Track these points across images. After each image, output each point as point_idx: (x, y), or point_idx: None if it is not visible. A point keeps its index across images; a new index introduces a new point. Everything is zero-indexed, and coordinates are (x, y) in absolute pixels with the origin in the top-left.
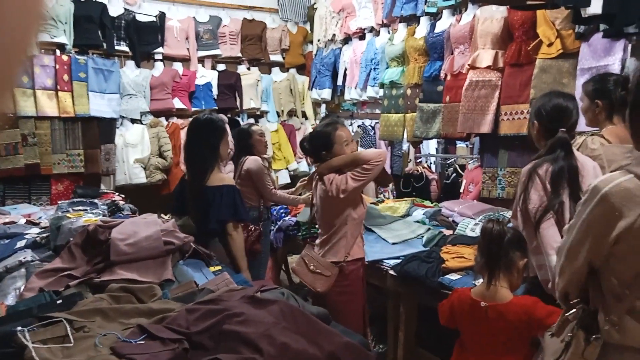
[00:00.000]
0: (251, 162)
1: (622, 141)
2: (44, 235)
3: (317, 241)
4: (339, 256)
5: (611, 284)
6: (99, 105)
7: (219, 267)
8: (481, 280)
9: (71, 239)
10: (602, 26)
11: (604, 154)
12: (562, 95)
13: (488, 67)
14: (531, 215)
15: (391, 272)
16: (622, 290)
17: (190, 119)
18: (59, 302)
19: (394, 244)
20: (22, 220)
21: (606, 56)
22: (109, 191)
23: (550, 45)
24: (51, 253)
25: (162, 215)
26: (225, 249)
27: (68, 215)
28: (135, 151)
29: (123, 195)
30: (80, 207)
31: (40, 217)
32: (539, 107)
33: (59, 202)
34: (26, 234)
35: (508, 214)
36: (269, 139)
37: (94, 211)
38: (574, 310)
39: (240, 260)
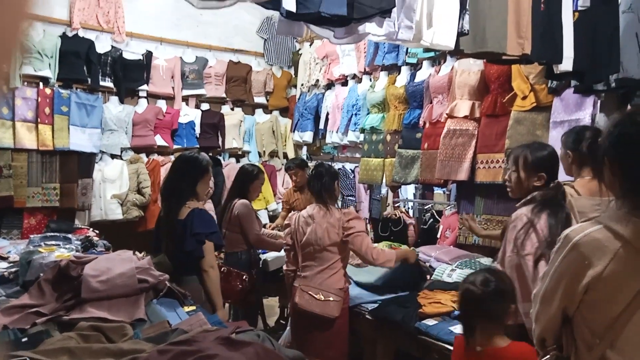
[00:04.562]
0: (241, 206)
1: (592, 194)
2: (13, 270)
3: (308, 273)
4: (341, 283)
5: (583, 332)
6: (79, 140)
7: (194, 307)
8: (458, 325)
9: (41, 275)
10: (573, 82)
11: (575, 206)
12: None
13: (465, 117)
14: (523, 263)
15: (368, 316)
16: (593, 339)
17: (172, 156)
18: (24, 340)
19: (374, 285)
20: None
21: (577, 110)
22: (83, 226)
23: (524, 98)
24: (19, 289)
25: (137, 252)
26: (202, 285)
27: (40, 249)
28: (114, 187)
29: (98, 231)
30: (53, 242)
31: (9, 252)
32: (545, 158)
33: (31, 236)
34: None
35: (484, 260)
36: None
37: (67, 246)
38: (548, 356)
39: (216, 297)
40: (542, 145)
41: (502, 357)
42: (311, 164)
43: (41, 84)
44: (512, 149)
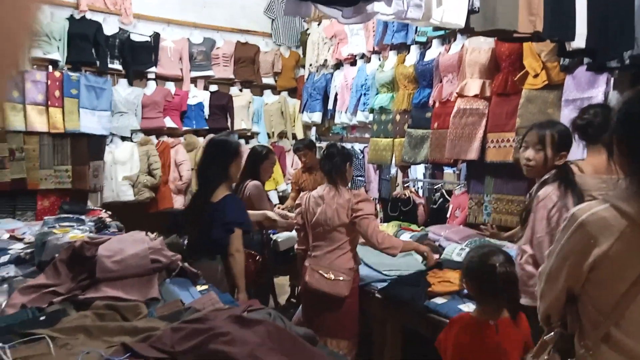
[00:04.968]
0: (252, 187)
1: (596, 172)
2: (28, 250)
3: (318, 252)
4: (351, 263)
5: (588, 310)
6: (90, 122)
7: (206, 287)
8: (468, 303)
9: (56, 255)
10: (585, 59)
11: (578, 184)
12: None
13: (475, 96)
14: None
15: (377, 295)
16: (598, 317)
17: (182, 138)
18: (41, 318)
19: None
20: (6, 236)
21: (590, 88)
22: (95, 208)
23: (536, 76)
24: (35, 269)
25: (149, 233)
26: (225, 266)
27: (54, 231)
28: (124, 169)
29: (110, 213)
30: (67, 223)
31: (24, 233)
32: (567, 135)
33: (45, 217)
34: (10, 249)
35: (492, 239)
36: None
37: (80, 227)
38: (552, 333)
39: (239, 279)
40: (559, 123)
41: (510, 325)
42: (320, 145)
43: (50, 67)
44: (527, 127)
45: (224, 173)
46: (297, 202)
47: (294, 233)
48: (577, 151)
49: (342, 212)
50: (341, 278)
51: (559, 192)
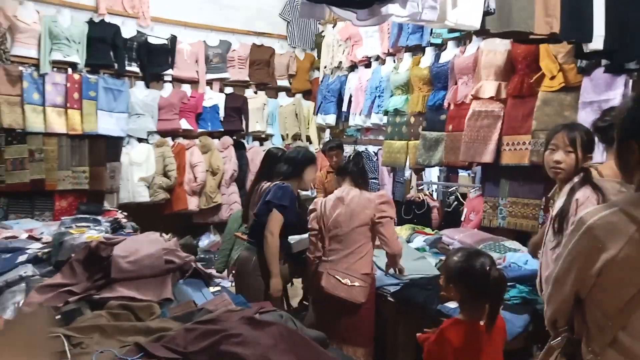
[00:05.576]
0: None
1: (616, 175)
2: (46, 250)
3: (334, 257)
4: (367, 268)
5: (595, 315)
6: (107, 124)
7: (219, 288)
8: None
9: (73, 255)
10: (603, 61)
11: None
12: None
13: (491, 98)
14: None
15: (390, 298)
16: (605, 321)
17: (197, 140)
18: (57, 317)
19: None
20: (24, 235)
21: (607, 91)
22: (111, 209)
23: (552, 78)
24: (52, 268)
25: (164, 234)
26: (259, 253)
27: (71, 231)
28: (140, 170)
29: (126, 213)
30: (84, 224)
31: (42, 233)
32: (593, 139)
33: (63, 217)
34: (27, 248)
35: (507, 243)
36: None
37: (97, 228)
38: (559, 338)
39: (271, 263)
40: (582, 125)
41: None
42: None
43: (70, 69)
44: (543, 130)
45: (296, 172)
46: (311, 207)
47: (306, 235)
48: (597, 154)
49: (362, 212)
50: (357, 284)
51: (597, 196)
